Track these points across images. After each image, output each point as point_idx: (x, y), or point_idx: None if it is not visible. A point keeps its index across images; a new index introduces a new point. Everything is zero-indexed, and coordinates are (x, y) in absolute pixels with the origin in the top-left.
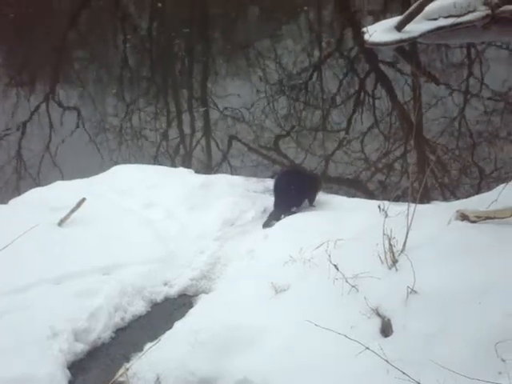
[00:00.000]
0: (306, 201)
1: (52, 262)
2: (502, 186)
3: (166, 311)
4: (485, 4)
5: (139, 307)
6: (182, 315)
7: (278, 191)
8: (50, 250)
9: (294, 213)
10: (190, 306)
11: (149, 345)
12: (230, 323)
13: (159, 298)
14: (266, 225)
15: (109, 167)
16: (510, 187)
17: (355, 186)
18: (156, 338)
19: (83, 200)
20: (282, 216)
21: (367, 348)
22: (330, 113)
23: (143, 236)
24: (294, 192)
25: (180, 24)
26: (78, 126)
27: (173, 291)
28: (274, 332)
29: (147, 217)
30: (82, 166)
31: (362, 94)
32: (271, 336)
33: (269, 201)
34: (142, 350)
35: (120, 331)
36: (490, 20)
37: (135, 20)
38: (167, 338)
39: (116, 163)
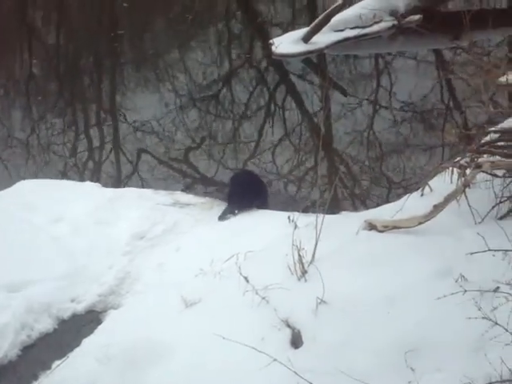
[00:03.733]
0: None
1: None
2: (408, 195)
3: (74, 328)
4: (391, 15)
5: (46, 324)
6: (91, 332)
7: (233, 188)
8: None
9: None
10: (99, 322)
11: (57, 362)
12: (140, 338)
13: (66, 314)
14: (222, 218)
15: (15, 183)
16: (415, 197)
17: None
18: (64, 355)
19: None
20: (236, 211)
21: (275, 360)
22: (240, 125)
23: (50, 252)
24: (248, 191)
25: (88, 36)
26: None
27: (80, 307)
28: (183, 346)
29: (54, 232)
30: None
31: (272, 105)
32: (181, 351)
33: (179, 213)
34: (50, 367)
35: (27, 349)
36: (396, 31)
37: (41, 32)
38: (75, 355)
39: (22, 179)
